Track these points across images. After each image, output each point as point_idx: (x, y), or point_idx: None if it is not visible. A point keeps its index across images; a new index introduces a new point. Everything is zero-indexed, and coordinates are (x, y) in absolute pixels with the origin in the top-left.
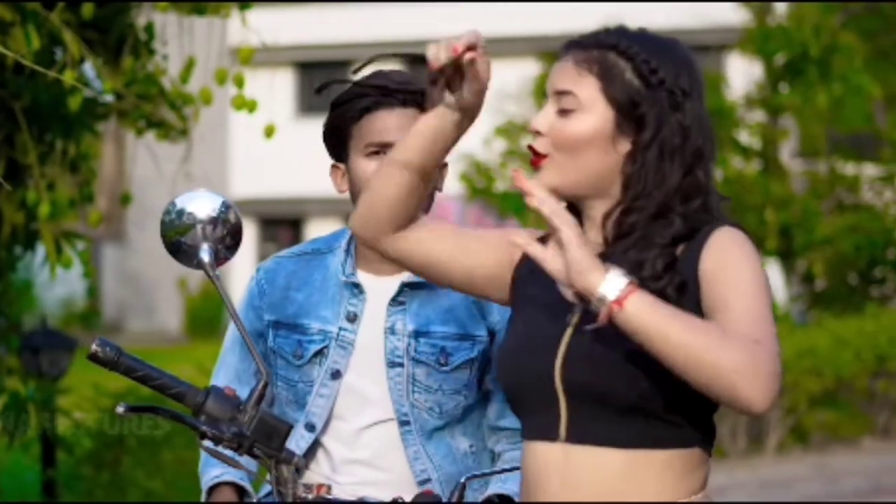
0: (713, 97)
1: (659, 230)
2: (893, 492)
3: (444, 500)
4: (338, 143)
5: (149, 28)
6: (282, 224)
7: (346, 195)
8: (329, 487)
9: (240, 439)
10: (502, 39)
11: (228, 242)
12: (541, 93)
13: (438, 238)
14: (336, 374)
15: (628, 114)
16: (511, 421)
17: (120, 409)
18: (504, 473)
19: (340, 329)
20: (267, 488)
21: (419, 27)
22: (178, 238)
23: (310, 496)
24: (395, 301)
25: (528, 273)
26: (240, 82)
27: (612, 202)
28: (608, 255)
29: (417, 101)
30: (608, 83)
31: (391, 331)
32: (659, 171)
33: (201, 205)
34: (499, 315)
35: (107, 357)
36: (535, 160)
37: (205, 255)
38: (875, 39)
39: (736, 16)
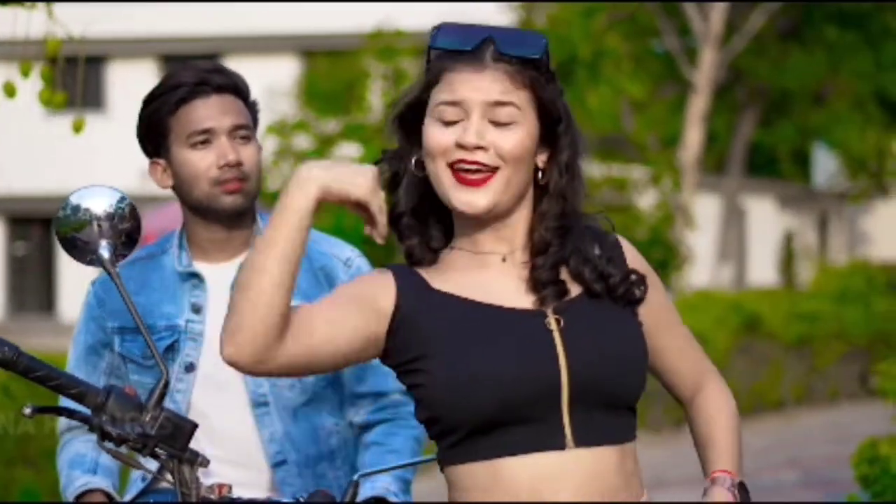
0: None
1: (581, 240)
2: (676, 484)
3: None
4: (155, 138)
5: None
6: (33, 223)
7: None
8: (230, 487)
9: (144, 440)
10: (260, 37)
11: (126, 239)
12: (309, 92)
13: (312, 333)
14: (190, 367)
15: (551, 126)
16: (372, 384)
17: (27, 411)
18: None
19: (188, 321)
20: (132, 492)
21: (178, 22)
22: (72, 234)
23: (213, 496)
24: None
25: (426, 313)
26: (46, 77)
27: (526, 210)
28: (544, 265)
29: (230, 86)
30: (542, 96)
31: None
32: (578, 179)
33: (98, 200)
34: (345, 277)
35: (4, 357)
36: (481, 179)
37: (104, 252)
38: (627, 44)
39: (500, 18)
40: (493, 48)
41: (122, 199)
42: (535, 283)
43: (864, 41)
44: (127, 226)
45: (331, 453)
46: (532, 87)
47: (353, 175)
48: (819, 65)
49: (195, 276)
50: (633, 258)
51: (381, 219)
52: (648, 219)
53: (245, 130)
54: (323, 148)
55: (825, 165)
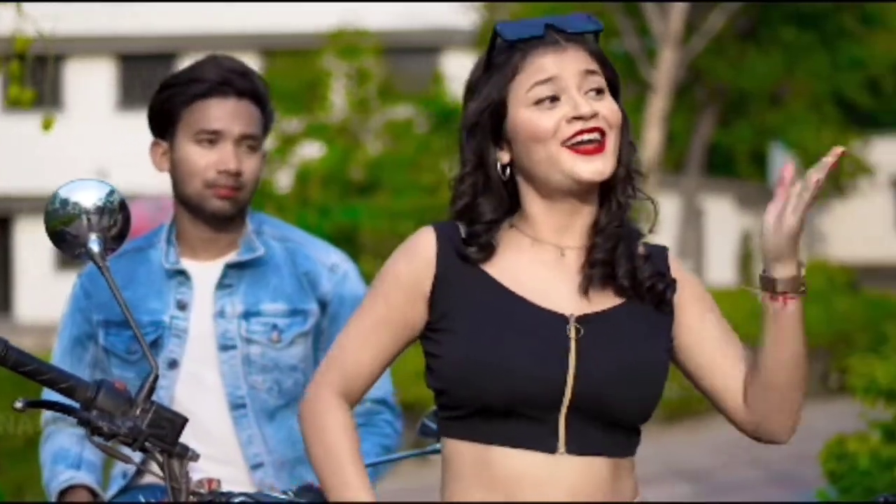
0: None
1: (631, 240)
2: (656, 481)
3: (277, 485)
4: (164, 122)
5: None
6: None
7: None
8: (219, 482)
9: (135, 434)
10: (218, 36)
11: (115, 233)
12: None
13: (374, 376)
14: (173, 364)
15: (617, 99)
16: None
17: (18, 405)
18: None
19: (172, 318)
20: (114, 488)
21: (135, 21)
22: (61, 228)
23: (202, 490)
24: (222, 285)
25: (462, 285)
26: (15, 74)
27: (594, 197)
28: (601, 259)
29: (250, 91)
30: (609, 72)
31: (220, 314)
32: (636, 156)
33: (87, 194)
34: (329, 284)
35: None
36: (599, 147)
37: (94, 246)
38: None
39: (455, 18)
40: (559, 31)
41: (112, 192)
42: (584, 280)
43: (821, 42)
44: (116, 219)
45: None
46: (603, 63)
47: None
48: (776, 65)
49: (181, 274)
50: (686, 277)
51: None
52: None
53: (253, 140)
54: (285, 147)
55: (782, 165)
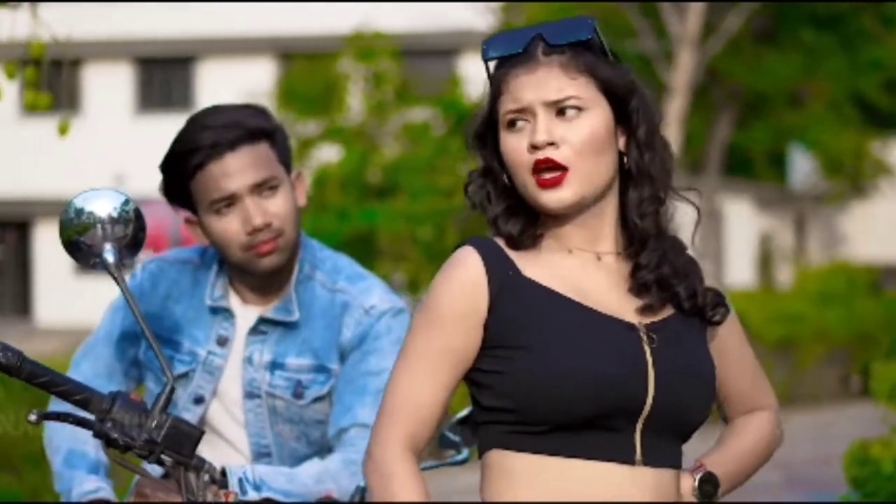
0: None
1: (678, 255)
2: None
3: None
4: (184, 201)
5: None
6: (8, 226)
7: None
8: (236, 494)
9: (150, 446)
10: (237, 39)
11: (130, 242)
12: (288, 94)
13: (437, 415)
14: (199, 400)
15: (621, 105)
16: (355, 416)
17: (32, 417)
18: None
19: (209, 353)
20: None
21: (153, 24)
22: (76, 237)
23: (221, 501)
24: (255, 330)
25: (512, 293)
26: (31, 78)
27: (611, 206)
28: (648, 266)
29: (245, 136)
30: (601, 78)
31: (249, 361)
32: (662, 156)
33: (102, 203)
34: (349, 332)
35: (9, 363)
36: (556, 178)
37: (109, 256)
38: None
39: (476, 20)
40: (542, 44)
41: (127, 201)
42: (636, 287)
43: (841, 43)
44: (131, 229)
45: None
46: (590, 71)
47: None
48: (795, 66)
49: (226, 311)
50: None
51: None
52: None
53: (271, 181)
54: (303, 150)
55: (802, 167)
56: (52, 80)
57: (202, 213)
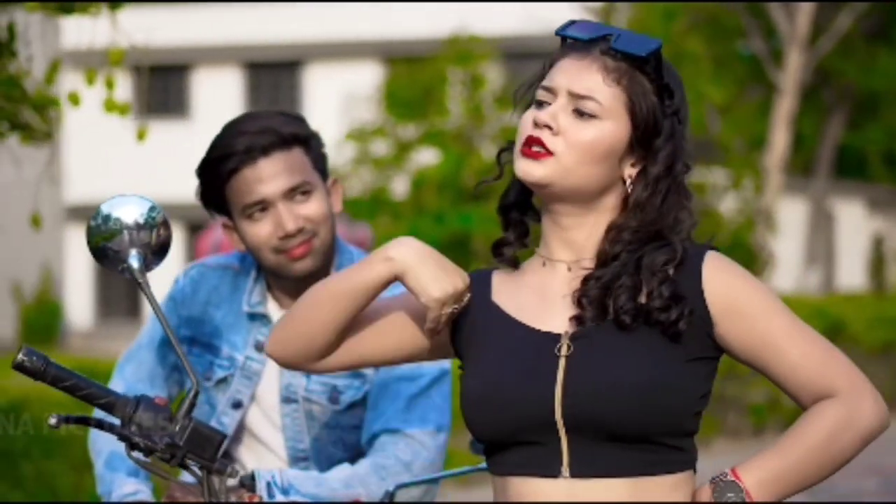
0: None
1: (656, 255)
2: None
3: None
4: (220, 206)
5: (10, 28)
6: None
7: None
8: (261, 497)
9: (172, 450)
10: (343, 43)
11: (156, 249)
12: (390, 97)
13: (360, 343)
14: (238, 405)
15: (644, 135)
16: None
17: (52, 421)
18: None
19: (247, 358)
20: None
21: (261, 29)
22: (103, 243)
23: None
24: None
25: (473, 322)
26: (110, 84)
27: (601, 221)
28: (600, 279)
29: (278, 142)
30: (635, 99)
31: None
32: (668, 201)
33: (129, 210)
34: None
35: (34, 366)
36: (536, 152)
37: (133, 262)
38: (710, 46)
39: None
40: (606, 44)
41: (153, 208)
42: (579, 298)
43: None
44: (158, 235)
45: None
46: (627, 87)
47: (432, 280)
48: None
49: (264, 317)
50: (722, 287)
51: (431, 324)
52: (729, 223)
53: (304, 186)
54: (401, 154)
55: None
56: (159, 85)
57: (237, 218)
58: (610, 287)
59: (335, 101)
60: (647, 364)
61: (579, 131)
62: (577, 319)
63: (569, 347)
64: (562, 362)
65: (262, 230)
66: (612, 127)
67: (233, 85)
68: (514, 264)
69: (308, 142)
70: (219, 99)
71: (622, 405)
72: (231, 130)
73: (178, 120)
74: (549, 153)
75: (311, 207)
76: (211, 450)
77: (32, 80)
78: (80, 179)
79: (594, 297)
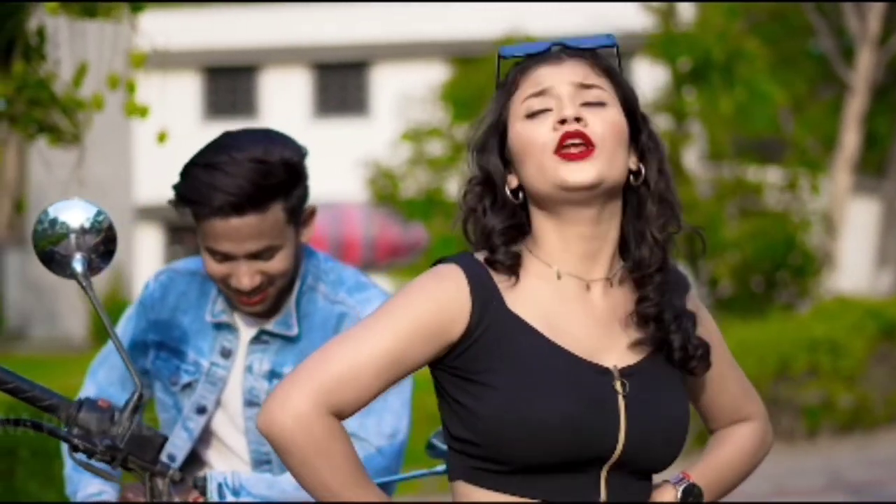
0: None
1: (674, 296)
2: (795, 494)
3: None
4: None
5: (40, 32)
6: (188, 230)
7: None
8: (207, 499)
9: (112, 452)
10: (409, 44)
11: (102, 251)
12: (449, 97)
13: (371, 389)
14: (202, 410)
15: (633, 123)
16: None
17: None
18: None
19: (212, 364)
20: None
21: (329, 30)
22: (50, 248)
23: None
24: (257, 339)
25: (500, 326)
26: (131, 87)
27: (613, 227)
28: (648, 317)
29: (255, 202)
30: (624, 87)
31: (249, 370)
32: (673, 188)
33: (75, 214)
34: None
35: None
36: (583, 152)
37: (77, 265)
38: (779, 45)
39: (639, 21)
40: (562, 48)
41: (99, 213)
42: (632, 319)
43: None
44: (102, 239)
45: None
46: (613, 76)
47: None
48: None
49: (229, 326)
50: (693, 304)
51: None
52: (785, 224)
53: (270, 249)
54: (456, 154)
55: None
56: (228, 87)
57: (200, 243)
58: (662, 320)
59: (399, 102)
60: (681, 398)
61: (601, 118)
62: (618, 350)
63: (623, 385)
64: (621, 400)
65: (218, 270)
66: (618, 112)
67: (300, 85)
68: (514, 272)
69: (289, 191)
70: (286, 100)
71: (671, 443)
72: (208, 175)
73: (246, 121)
74: (592, 145)
75: (274, 265)
76: (152, 451)
77: (61, 82)
78: (150, 180)
79: (653, 335)
